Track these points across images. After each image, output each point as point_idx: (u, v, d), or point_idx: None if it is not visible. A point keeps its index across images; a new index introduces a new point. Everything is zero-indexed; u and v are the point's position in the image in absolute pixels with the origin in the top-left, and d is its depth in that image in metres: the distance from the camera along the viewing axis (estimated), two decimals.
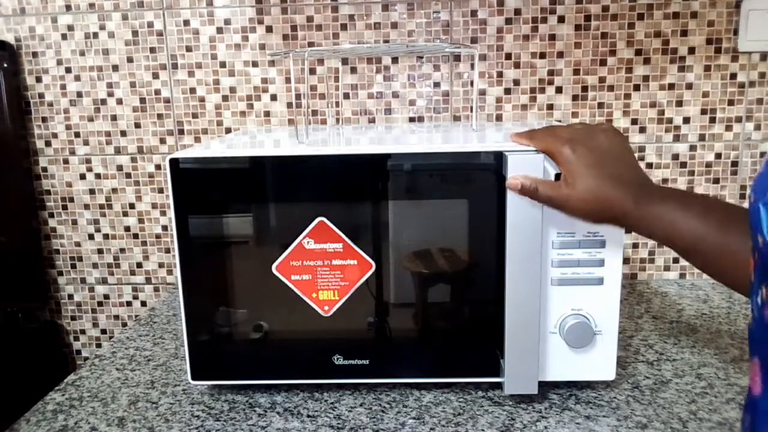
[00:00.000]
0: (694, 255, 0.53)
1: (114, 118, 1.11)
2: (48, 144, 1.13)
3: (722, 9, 1.02)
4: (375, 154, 0.65)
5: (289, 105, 1.09)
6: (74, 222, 1.15)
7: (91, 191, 1.14)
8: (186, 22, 1.07)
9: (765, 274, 0.34)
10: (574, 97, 1.06)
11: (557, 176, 0.59)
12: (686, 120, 1.06)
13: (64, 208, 1.15)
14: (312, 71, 1.08)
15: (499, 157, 0.64)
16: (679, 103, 1.06)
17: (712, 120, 1.06)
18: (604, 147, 0.58)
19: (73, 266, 1.17)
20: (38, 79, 1.11)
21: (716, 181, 1.07)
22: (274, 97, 1.09)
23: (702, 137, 1.07)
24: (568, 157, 0.58)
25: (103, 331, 1.19)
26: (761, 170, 0.36)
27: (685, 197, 0.54)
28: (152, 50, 1.08)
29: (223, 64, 1.08)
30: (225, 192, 0.67)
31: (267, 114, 1.10)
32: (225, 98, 1.09)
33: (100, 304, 1.18)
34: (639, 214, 0.54)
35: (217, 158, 0.66)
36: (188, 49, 1.08)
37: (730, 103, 1.05)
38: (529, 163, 0.61)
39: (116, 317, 1.18)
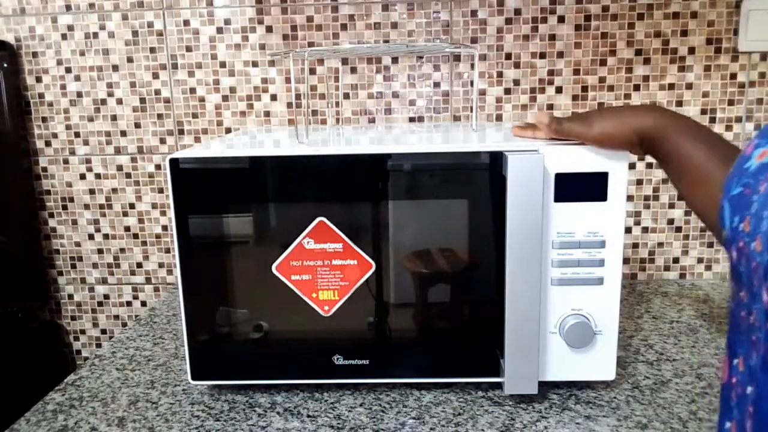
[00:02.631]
0: (696, 185, 0.57)
1: (114, 118, 1.11)
2: (48, 144, 1.13)
3: (722, 9, 1.02)
4: (375, 154, 0.65)
5: (289, 105, 1.09)
6: (74, 222, 1.15)
7: (91, 191, 1.14)
8: (186, 22, 1.07)
9: (732, 269, 0.37)
10: (574, 97, 1.06)
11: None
12: None
13: (64, 208, 1.15)
14: (312, 71, 1.08)
15: (499, 157, 0.64)
16: (679, 103, 1.06)
17: (712, 120, 1.06)
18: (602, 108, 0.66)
19: (73, 266, 1.17)
20: (38, 79, 1.11)
21: None
22: (274, 97, 1.09)
23: None
24: (584, 119, 0.63)
25: (103, 331, 1.19)
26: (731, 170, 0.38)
27: (701, 126, 0.59)
28: (152, 50, 1.08)
29: (223, 64, 1.08)
30: (225, 192, 0.67)
31: (267, 114, 1.10)
32: (225, 98, 1.09)
33: (100, 304, 1.18)
34: (664, 120, 0.59)
35: (217, 158, 0.66)
36: (188, 49, 1.08)
37: (730, 103, 1.05)
38: (530, 162, 0.61)
39: (116, 317, 1.18)
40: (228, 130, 1.11)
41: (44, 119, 1.12)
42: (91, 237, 1.15)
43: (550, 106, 1.07)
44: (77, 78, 1.10)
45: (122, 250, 1.15)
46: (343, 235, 0.67)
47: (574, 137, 0.63)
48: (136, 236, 1.15)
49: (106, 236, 1.15)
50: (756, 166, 0.36)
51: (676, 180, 0.59)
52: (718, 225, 0.40)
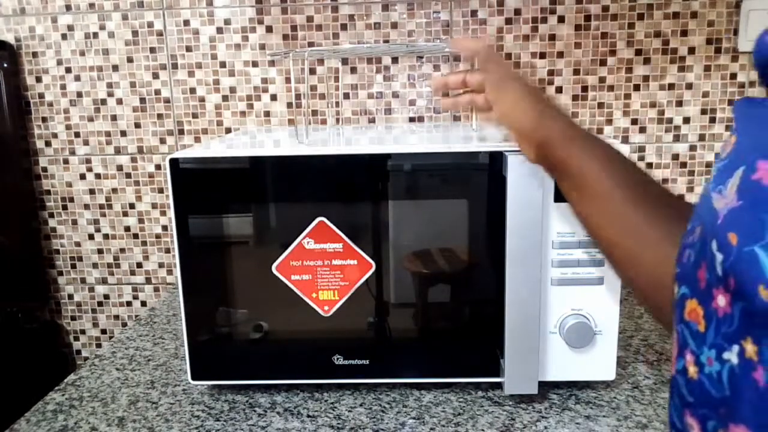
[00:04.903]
0: (599, 207, 0.50)
1: (114, 118, 1.11)
2: (48, 144, 1.13)
3: (722, 9, 1.02)
4: (375, 154, 0.65)
5: (289, 105, 1.09)
6: (74, 222, 1.15)
7: (91, 191, 1.14)
8: (186, 22, 1.07)
9: (762, 328, 0.29)
10: (574, 97, 1.06)
11: None
12: (686, 120, 1.06)
13: (64, 208, 1.15)
14: (312, 71, 1.08)
15: (499, 157, 0.64)
16: (679, 103, 1.06)
17: (712, 120, 1.06)
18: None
19: (73, 266, 1.17)
20: (38, 79, 1.11)
21: None
22: (274, 97, 1.09)
23: (702, 137, 1.07)
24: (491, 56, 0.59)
25: (103, 331, 1.19)
26: (732, 203, 0.30)
27: (610, 149, 0.52)
28: (152, 50, 1.08)
29: (223, 64, 1.08)
30: (225, 192, 0.67)
31: (267, 114, 1.10)
32: (225, 98, 1.09)
33: (100, 304, 1.18)
34: (568, 131, 0.52)
35: (217, 158, 0.66)
36: (188, 49, 1.08)
37: (730, 103, 1.05)
38: (530, 162, 0.61)
39: (116, 317, 1.18)
40: (228, 130, 1.11)
41: (44, 119, 1.12)
42: (91, 237, 1.15)
43: None
44: (77, 78, 1.10)
45: (122, 250, 1.15)
46: (343, 235, 0.67)
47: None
48: (136, 236, 1.15)
49: (106, 236, 1.15)
50: None
51: (570, 194, 0.53)
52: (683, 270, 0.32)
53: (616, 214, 0.48)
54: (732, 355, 0.29)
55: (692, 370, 0.32)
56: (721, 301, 0.30)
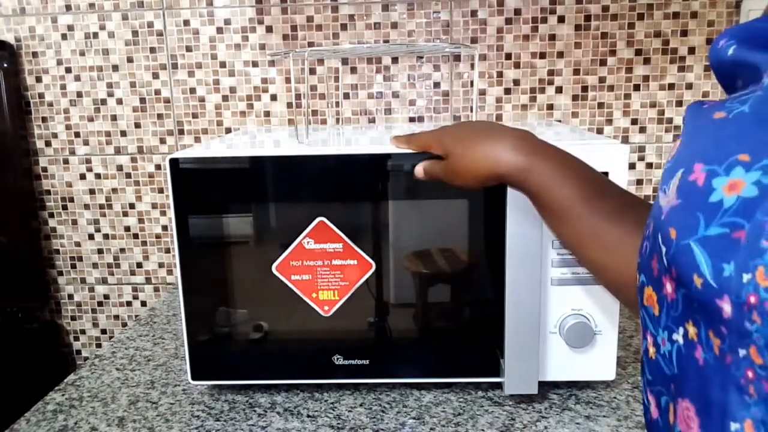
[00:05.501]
0: (560, 223, 0.52)
1: (114, 118, 1.11)
2: (48, 144, 1.13)
3: (722, 9, 1.02)
4: (375, 154, 0.65)
5: (289, 105, 1.09)
6: (74, 222, 1.15)
7: (91, 191, 1.14)
8: (186, 22, 1.07)
9: (699, 313, 0.31)
10: (574, 97, 1.06)
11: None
12: None
13: (64, 208, 1.15)
14: (312, 71, 1.08)
15: None
16: (679, 103, 1.06)
17: None
18: (472, 123, 0.60)
19: (73, 266, 1.17)
20: (38, 79, 1.11)
21: None
22: (274, 97, 1.09)
23: None
24: (440, 137, 0.59)
25: (103, 331, 1.19)
26: (673, 201, 0.32)
27: (566, 160, 0.53)
28: (152, 50, 1.08)
29: (223, 64, 1.08)
30: (225, 192, 0.67)
31: (267, 114, 1.10)
32: (225, 98, 1.09)
33: (100, 304, 1.18)
34: (520, 164, 0.53)
35: (217, 158, 0.66)
36: (188, 49, 1.08)
37: None
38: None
39: (116, 317, 1.18)
40: (228, 130, 1.11)
41: (44, 119, 1.12)
42: (91, 237, 1.15)
43: (550, 106, 1.07)
44: (77, 78, 1.10)
45: (122, 250, 1.15)
46: (343, 235, 0.67)
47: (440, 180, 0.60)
48: (136, 236, 1.15)
49: (106, 236, 1.15)
50: (736, 202, 0.29)
51: (543, 216, 0.55)
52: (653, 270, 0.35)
53: (590, 233, 0.51)
54: (679, 336, 0.33)
55: (651, 350, 0.35)
56: (669, 288, 0.33)
